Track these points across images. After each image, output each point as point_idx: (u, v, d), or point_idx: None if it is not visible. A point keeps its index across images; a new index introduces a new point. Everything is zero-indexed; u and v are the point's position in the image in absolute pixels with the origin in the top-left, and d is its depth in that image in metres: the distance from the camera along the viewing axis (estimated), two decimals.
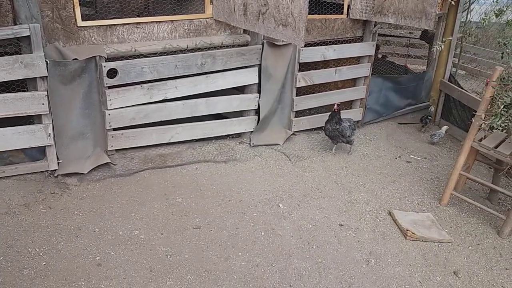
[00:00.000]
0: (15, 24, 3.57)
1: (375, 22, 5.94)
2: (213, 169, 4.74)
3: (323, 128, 5.41)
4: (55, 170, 4.02)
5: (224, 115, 5.30)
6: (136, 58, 4.23)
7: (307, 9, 3.53)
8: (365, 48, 5.99)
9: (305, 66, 5.74)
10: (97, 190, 4.05)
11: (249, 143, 5.31)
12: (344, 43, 5.85)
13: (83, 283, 2.97)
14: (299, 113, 5.93)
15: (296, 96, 5.54)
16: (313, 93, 5.83)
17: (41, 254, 3.17)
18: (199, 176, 4.58)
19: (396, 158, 5.66)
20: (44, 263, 3.09)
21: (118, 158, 4.47)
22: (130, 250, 3.35)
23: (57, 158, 3.99)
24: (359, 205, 4.43)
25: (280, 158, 5.20)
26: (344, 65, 5.94)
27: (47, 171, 4.00)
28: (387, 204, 4.51)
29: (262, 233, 3.75)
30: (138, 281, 3.06)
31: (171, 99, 4.55)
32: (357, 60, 6.12)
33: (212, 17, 4.65)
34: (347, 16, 5.79)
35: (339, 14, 5.79)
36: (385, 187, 4.86)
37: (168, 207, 3.98)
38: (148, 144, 4.67)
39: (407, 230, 3.97)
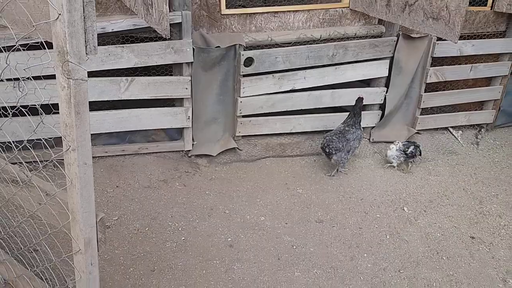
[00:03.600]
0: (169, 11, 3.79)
1: None
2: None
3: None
4: (189, 150, 4.28)
5: (344, 108, 5.19)
6: (270, 47, 4.29)
7: (467, 3, 3.25)
8: (509, 45, 5.41)
9: (437, 61, 5.37)
10: (224, 173, 4.24)
11: (369, 139, 5.14)
12: (483, 38, 5.34)
13: (217, 262, 3.15)
14: (423, 111, 5.58)
15: (425, 92, 5.22)
16: (439, 90, 5.44)
17: (180, 229, 3.41)
18: (318, 169, 4.56)
19: None
20: (183, 238, 3.33)
21: (243, 144, 4.61)
22: (258, 236, 3.46)
23: (192, 139, 4.24)
24: (492, 217, 4.08)
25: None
26: (478, 62, 5.43)
27: (182, 150, 4.27)
28: None
29: (387, 237, 3.63)
30: (267, 267, 3.15)
31: (298, 89, 4.56)
32: (495, 57, 5.56)
33: (349, 7, 4.52)
34: (491, 9, 5.26)
35: (482, 6, 5.29)
36: None
37: (290, 197, 4.03)
38: (270, 133, 4.75)
39: None
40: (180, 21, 3.77)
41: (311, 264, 3.24)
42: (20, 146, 1.82)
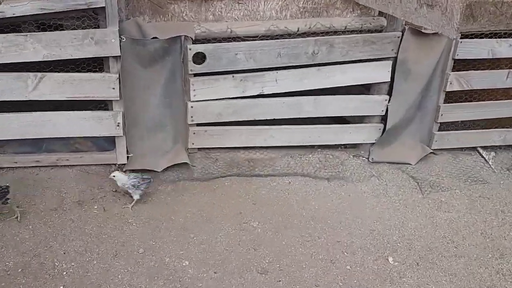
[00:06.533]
0: None
1: None
2: (310, 187, 3.79)
3: None
4: (123, 164, 3.52)
5: (347, 120, 4.25)
6: (230, 41, 3.45)
7: None
8: None
9: (461, 64, 4.26)
10: (165, 195, 3.47)
11: (367, 158, 4.17)
12: None
13: None
14: (444, 126, 4.47)
15: (444, 103, 4.18)
16: (466, 100, 4.33)
17: (64, 273, 2.62)
18: (290, 194, 3.69)
19: None
20: (62, 286, 2.55)
21: (200, 157, 3.82)
22: None
23: (127, 151, 3.48)
24: None
25: (406, 184, 3.97)
26: None
27: (114, 164, 3.54)
28: None
29: None
30: None
31: (268, 94, 3.69)
32: None
33: None
34: None
35: None
36: None
37: (237, 232, 3.18)
38: (236, 146, 3.90)
39: None
40: (104, 5, 3.02)
41: None
42: None
